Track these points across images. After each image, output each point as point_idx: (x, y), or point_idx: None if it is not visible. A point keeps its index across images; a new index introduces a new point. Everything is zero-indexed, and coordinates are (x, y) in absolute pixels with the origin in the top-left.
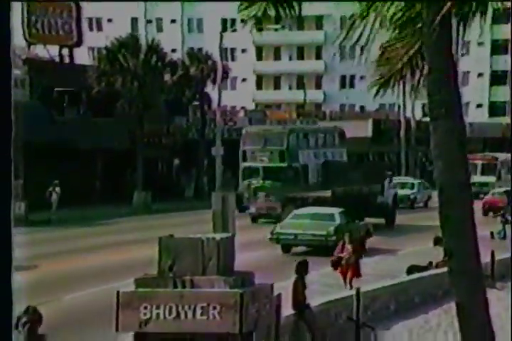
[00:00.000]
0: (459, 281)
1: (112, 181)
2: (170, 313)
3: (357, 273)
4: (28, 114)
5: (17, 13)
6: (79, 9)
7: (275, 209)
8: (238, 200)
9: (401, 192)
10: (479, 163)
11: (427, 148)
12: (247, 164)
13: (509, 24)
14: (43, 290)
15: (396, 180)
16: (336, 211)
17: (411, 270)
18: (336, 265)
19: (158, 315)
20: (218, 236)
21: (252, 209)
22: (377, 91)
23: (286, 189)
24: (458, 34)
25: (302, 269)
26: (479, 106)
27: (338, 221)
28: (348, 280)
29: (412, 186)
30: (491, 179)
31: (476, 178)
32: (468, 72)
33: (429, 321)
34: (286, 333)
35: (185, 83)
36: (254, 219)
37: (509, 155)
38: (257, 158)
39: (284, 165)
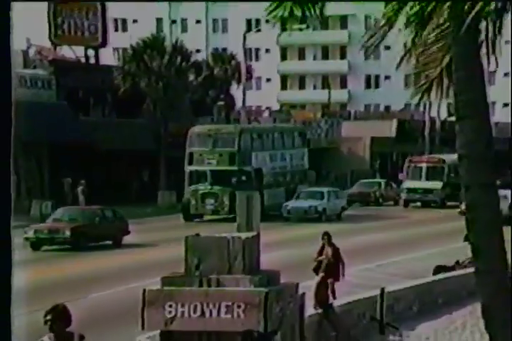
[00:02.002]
0: (485, 281)
1: (137, 181)
2: (195, 311)
3: (336, 278)
4: (54, 114)
5: (43, 15)
6: (104, 10)
7: None
8: (184, 208)
9: (307, 203)
10: (424, 165)
11: (451, 149)
12: (193, 168)
13: None
14: (70, 289)
15: (303, 189)
16: None
17: (438, 270)
18: (317, 270)
19: (183, 313)
20: (243, 235)
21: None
22: (421, 97)
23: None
24: (486, 33)
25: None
26: (506, 105)
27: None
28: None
29: (322, 196)
30: (437, 185)
31: (420, 184)
32: (494, 71)
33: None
34: (311, 333)
35: (209, 83)
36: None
37: (453, 156)
38: (204, 161)
39: (235, 168)
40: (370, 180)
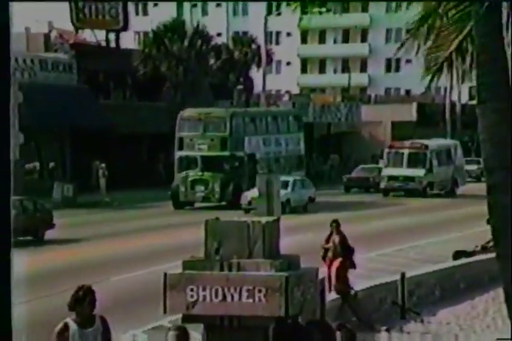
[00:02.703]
0: (506, 266)
1: (156, 165)
2: (216, 296)
3: (343, 267)
4: (75, 97)
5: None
6: None
7: None
8: (173, 195)
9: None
10: (406, 151)
11: (472, 132)
12: (183, 153)
13: None
14: (89, 272)
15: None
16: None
17: (457, 255)
18: (325, 258)
19: (204, 297)
20: (264, 219)
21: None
22: (432, 79)
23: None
24: (508, 17)
25: (347, 255)
26: None
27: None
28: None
29: (286, 185)
30: (419, 172)
31: (401, 171)
32: None
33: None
34: (331, 317)
35: (229, 67)
36: None
37: (441, 142)
38: (195, 146)
39: (227, 153)
40: (371, 166)
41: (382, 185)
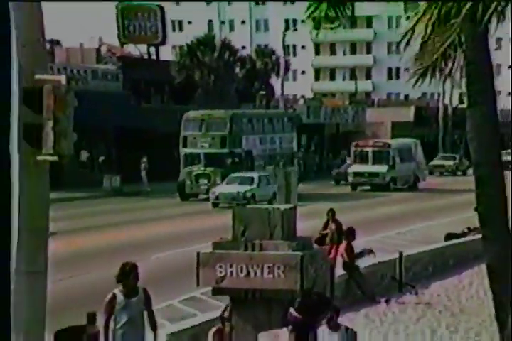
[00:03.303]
0: (490, 246)
1: None
2: (241, 272)
3: (350, 248)
4: (121, 102)
5: (112, 17)
6: (163, 13)
7: None
8: (180, 188)
9: (235, 188)
10: (370, 150)
11: (462, 132)
12: (187, 150)
13: None
14: (133, 251)
15: (236, 175)
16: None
17: (448, 237)
18: (319, 243)
19: (231, 273)
20: (283, 207)
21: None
22: (416, 81)
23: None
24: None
25: (350, 234)
26: (509, 94)
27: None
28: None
29: (252, 181)
30: (383, 168)
31: (367, 167)
32: (500, 64)
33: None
34: (339, 291)
35: (252, 75)
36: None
37: (403, 141)
38: (198, 144)
39: (226, 151)
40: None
41: (350, 180)
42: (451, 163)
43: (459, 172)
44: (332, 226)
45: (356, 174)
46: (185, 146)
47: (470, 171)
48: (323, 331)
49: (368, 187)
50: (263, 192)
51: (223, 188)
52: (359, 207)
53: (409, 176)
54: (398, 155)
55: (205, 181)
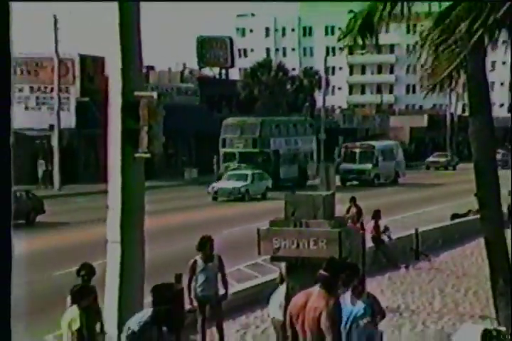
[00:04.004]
0: (488, 223)
1: None
2: (292, 244)
3: (377, 225)
4: (199, 113)
5: (193, 47)
6: (232, 43)
7: None
8: (219, 180)
9: (231, 184)
10: (357, 151)
11: (465, 134)
12: (226, 150)
13: None
14: (209, 227)
15: (233, 172)
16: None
17: (454, 217)
18: None
19: (284, 245)
20: (324, 193)
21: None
22: (427, 94)
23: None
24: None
25: (377, 215)
26: (501, 105)
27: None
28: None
29: (246, 178)
30: (368, 166)
31: (355, 166)
32: (493, 82)
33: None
34: (369, 259)
35: (300, 91)
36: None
37: (386, 143)
38: (234, 145)
39: (257, 150)
40: (237, 172)
41: (340, 176)
42: (443, 159)
43: (450, 167)
44: (353, 210)
45: (346, 171)
46: (223, 146)
47: (459, 166)
48: (347, 297)
49: (356, 183)
50: (256, 188)
51: (222, 184)
52: (370, 196)
53: (390, 173)
54: (381, 155)
55: None
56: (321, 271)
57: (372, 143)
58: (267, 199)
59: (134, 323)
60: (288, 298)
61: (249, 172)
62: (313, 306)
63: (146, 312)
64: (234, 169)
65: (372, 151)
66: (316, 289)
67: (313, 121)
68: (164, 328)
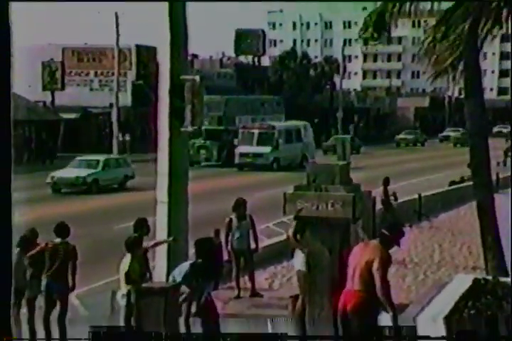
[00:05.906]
0: (480, 189)
1: None
2: (313, 206)
3: (386, 191)
4: (235, 94)
5: (230, 40)
6: (264, 35)
7: None
8: None
9: (75, 173)
10: (256, 131)
11: (461, 113)
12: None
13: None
14: (242, 191)
15: (82, 158)
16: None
17: (451, 183)
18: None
19: (306, 206)
20: (340, 162)
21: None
22: (432, 81)
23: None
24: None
25: (386, 181)
26: (491, 89)
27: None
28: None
29: (96, 164)
30: (267, 149)
31: (252, 148)
32: (485, 69)
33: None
34: (378, 219)
35: (321, 75)
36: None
37: (292, 123)
38: None
39: (222, 128)
40: (344, 136)
41: (236, 161)
42: (411, 136)
43: (419, 144)
44: (380, 189)
45: (242, 154)
46: None
47: (426, 143)
48: None
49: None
50: (109, 176)
51: (62, 172)
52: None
53: (295, 156)
54: (284, 136)
55: (204, 151)
56: (383, 230)
57: (274, 123)
58: (127, 189)
59: (177, 274)
60: (309, 253)
61: (101, 157)
62: (369, 254)
63: (186, 265)
64: (201, 146)
65: (272, 132)
66: (374, 242)
67: (280, 100)
68: (200, 280)
